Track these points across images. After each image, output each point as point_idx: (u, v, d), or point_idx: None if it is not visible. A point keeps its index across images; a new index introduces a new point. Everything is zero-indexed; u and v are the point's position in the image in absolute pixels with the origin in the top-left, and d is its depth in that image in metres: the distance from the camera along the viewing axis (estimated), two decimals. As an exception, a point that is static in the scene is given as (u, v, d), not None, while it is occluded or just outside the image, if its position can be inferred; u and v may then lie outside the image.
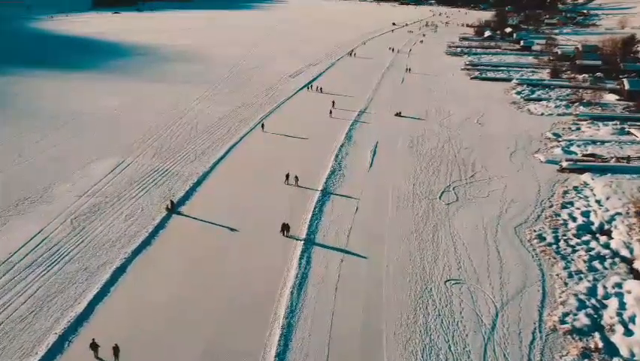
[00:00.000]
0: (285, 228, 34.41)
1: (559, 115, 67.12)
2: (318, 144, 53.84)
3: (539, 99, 75.31)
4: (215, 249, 33.19)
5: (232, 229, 35.84)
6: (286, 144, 54.33)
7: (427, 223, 37.09)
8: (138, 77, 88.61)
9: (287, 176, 43.51)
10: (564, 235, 35.59)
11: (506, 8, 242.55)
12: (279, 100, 73.07)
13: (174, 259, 32.00)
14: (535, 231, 36.01)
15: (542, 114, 67.51)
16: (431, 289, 29.34)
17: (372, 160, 49.92)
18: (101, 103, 69.02)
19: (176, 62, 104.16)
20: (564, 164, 47.73)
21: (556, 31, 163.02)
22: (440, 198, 41.36)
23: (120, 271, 30.61)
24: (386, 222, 37.15)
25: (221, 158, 49.93)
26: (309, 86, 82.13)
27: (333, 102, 68.77)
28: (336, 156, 50.56)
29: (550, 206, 40.22)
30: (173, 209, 38.56)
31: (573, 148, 53.78)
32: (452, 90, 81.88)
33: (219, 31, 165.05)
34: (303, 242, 33.68)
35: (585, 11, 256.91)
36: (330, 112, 65.29)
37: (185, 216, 37.98)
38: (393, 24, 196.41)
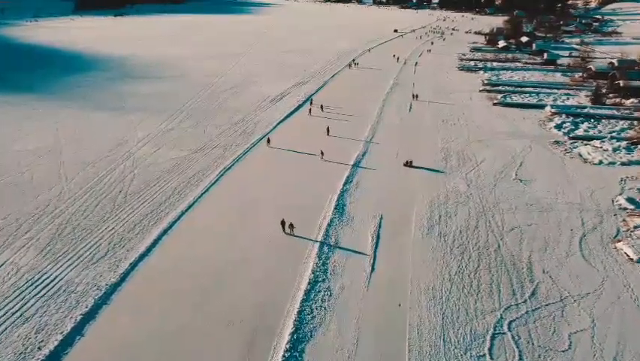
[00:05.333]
0: None
1: (623, 164, 50.12)
2: (296, 223, 36.72)
3: (589, 137, 58.09)
4: None
5: None
6: (248, 228, 37.30)
7: None
8: (84, 102, 71.55)
9: (282, 223, 35.12)
10: None
11: (515, 13, 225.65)
12: (252, 139, 55.98)
13: None
14: None
15: (601, 163, 50.47)
16: None
17: (375, 256, 32.88)
18: (11, 146, 52.06)
19: (140, 80, 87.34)
20: (673, 270, 30.81)
21: (578, 40, 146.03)
22: (491, 355, 24.33)
23: None
24: None
25: (146, 253, 32.90)
26: (310, 101, 71.28)
27: (328, 128, 58.01)
28: (321, 246, 33.60)
29: (685, 377, 23.29)
30: (20, 393, 21.65)
31: (667, 230, 36.88)
32: (473, 122, 64.70)
33: (203, 39, 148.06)
34: None
35: (600, 17, 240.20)
36: (322, 153, 49.78)
37: (38, 410, 21.06)
38: (395, 31, 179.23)
